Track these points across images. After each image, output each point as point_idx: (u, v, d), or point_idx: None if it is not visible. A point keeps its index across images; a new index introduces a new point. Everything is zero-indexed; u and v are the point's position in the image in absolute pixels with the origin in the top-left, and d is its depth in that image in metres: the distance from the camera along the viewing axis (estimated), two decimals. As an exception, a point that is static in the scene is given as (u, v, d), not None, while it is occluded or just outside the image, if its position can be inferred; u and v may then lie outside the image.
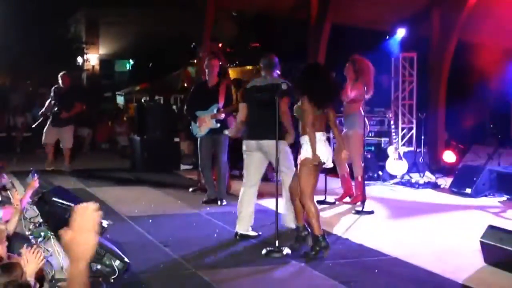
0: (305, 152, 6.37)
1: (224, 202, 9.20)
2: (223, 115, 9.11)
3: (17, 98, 18.89)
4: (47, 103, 13.00)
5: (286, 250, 6.41)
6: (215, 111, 9.09)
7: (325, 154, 6.37)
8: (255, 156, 7.21)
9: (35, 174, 6.47)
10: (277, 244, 6.41)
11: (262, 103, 7.05)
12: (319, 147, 6.32)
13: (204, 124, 9.12)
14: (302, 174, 6.38)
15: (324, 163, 6.37)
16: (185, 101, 9.51)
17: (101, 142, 18.60)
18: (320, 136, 6.37)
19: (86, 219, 2.31)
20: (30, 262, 3.91)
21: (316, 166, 6.36)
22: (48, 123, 12.79)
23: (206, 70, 9.27)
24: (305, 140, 6.40)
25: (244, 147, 7.28)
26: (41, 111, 13.22)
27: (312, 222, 6.31)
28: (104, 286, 5.29)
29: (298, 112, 6.61)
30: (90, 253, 2.34)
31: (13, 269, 3.64)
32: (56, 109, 12.64)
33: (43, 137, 12.83)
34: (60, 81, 12.85)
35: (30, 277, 3.85)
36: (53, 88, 12.98)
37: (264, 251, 6.41)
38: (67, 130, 12.79)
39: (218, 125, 9.10)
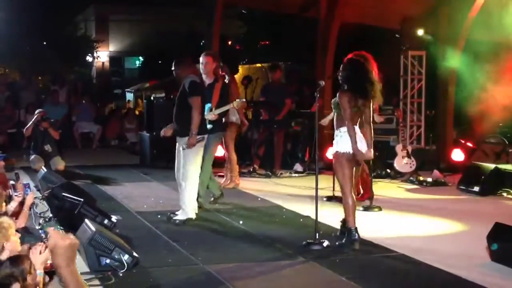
0: (335, 145, 6.56)
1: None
2: (214, 117, 8.48)
3: (29, 95, 18.87)
4: (29, 128, 11.97)
5: (327, 243, 6.53)
6: (206, 111, 8.38)
7: (349, 146, 6.46)
8: None
9: (29, 189, 6.47)
10: (317, 237, 6.54)
11: None
12: (346, 140, 6.44)
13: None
14: (335, 168, 6.60)
15: (349, 153, 6.46)
16: None
17: (110, 138, 18.63)
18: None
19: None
20: (39, 254, 3.95)
21: (346, 158, 6.48)
22: (34, 152, 11.76)
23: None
24: (337, 134, 6.56)
25: None
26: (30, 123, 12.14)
27: (347, 214, 6.51)
28: (113, 280, 5.35)
29: (335, 107, 6.69)
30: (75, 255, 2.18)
31: (21, 262, 3.69)
32: (49, 149, 11.78)
33: (32, 164, 11.48)
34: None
35: (39, 269, 3.89)
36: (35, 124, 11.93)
37: (304, 243, 6.54)
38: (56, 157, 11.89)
39: (210, 126, 8.42)
